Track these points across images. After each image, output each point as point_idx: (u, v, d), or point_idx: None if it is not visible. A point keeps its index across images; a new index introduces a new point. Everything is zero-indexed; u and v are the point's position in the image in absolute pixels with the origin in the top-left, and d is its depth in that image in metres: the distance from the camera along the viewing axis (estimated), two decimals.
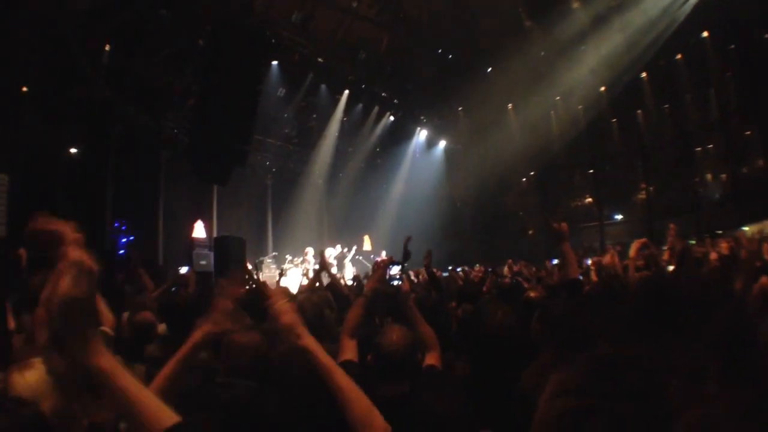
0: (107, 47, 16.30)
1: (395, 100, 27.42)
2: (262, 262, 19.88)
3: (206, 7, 17.49)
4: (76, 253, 1.63)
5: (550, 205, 29.76)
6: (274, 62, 21.59)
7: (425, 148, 30.66)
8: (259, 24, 18.61)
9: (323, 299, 5.73)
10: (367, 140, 27.54)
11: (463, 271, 17.96)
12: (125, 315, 5.67)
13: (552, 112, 29.16)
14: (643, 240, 7.10)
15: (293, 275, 18.18)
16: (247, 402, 3.27)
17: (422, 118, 29.64)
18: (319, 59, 23.11)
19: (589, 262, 13.23)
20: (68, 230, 1.66)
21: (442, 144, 31.19)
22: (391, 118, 28.05)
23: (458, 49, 26.30)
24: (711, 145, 26.12)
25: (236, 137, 18.06)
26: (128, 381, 1.66)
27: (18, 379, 2.31)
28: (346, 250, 21.07)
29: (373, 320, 5.45)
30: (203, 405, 3.06)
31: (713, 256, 8.16)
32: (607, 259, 7.83)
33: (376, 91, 26.26)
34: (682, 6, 22.68)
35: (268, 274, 18.98)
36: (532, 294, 5.99)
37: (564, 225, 5.06)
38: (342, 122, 25.85)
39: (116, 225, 16.24)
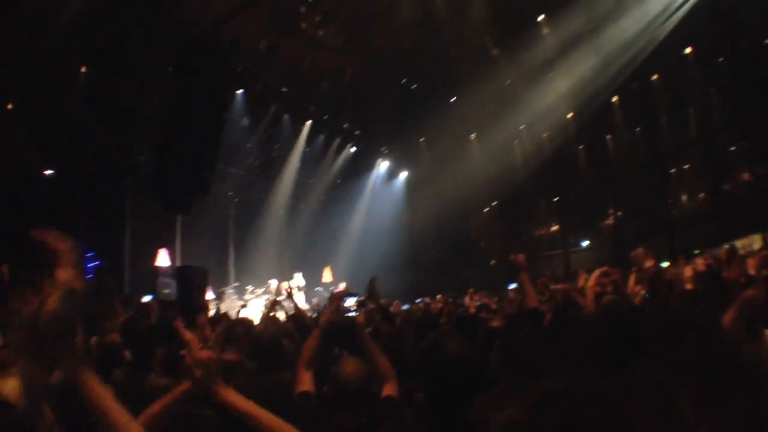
0: (83, 68, 16.04)
1: (357, 131, 27.40)
2: (223, 293, 19.66)
3: (176, 33, 17.19)
4: (65, 274, 1.76)
5: (512, 234, 29.83)
6: (239, 91, 21.28)
7: (386, 179, 30.60)
8: (226, 52, 18.34)
9: (282, 329, 5.89)
10: (328, 171, 27.44)
11: (423, 302, 17.92)
12: (93, 339, 5.71)
13: (516, 140, 29.26)
14: (604, 268, 6.98)
15: (255, 306, 18.14)
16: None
17: (383, 149, 29.63)
18: (283, 89, 22.96)
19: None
20: (66, 251, 1.82)
21: (403, 175, 31.14)
22: (353, 149, 28.00)
23: (422, 79, 26.31)
24: (687, 165, 26.38)
25: (200, 166, 17.72)
26: (106, 395, 1.87)
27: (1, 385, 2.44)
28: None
29: (332, 351, 5.49)
30: None
31: (688, 273, 8.08)
32: (581, 282, 7.78)
33: (338, 122, 26.19)
34: (662, 24, 22.93)
35: (230, 304, 18.64)
36: (494, 323, 6.07)
37: (521, 256, 5.05)
38: (304, 153, 25.67)
39: (83, 248, 15.79)
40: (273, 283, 19.42)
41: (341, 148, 27.46)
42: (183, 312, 14.59)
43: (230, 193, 23.21)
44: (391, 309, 12.84)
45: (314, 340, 4.10)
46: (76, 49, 15.49)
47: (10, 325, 3.73)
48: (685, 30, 22.39)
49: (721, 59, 23.41)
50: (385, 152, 29.80)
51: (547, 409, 1.41)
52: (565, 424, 1.36)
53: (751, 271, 8.34)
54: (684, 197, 26.76)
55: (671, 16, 22.56)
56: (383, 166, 30.33)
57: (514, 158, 29.49)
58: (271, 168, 24.84)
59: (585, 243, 29.38)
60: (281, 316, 10.52)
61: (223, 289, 19.89)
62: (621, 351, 2.96)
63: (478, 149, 29.38)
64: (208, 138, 17.91)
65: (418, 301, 19.43)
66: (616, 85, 24.94)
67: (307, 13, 21.34)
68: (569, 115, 27.23)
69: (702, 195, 26.11)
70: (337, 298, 4.92)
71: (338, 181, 28.21)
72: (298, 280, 21.11)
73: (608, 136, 27.75)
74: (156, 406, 2.58)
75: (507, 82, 26.05)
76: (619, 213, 27.46)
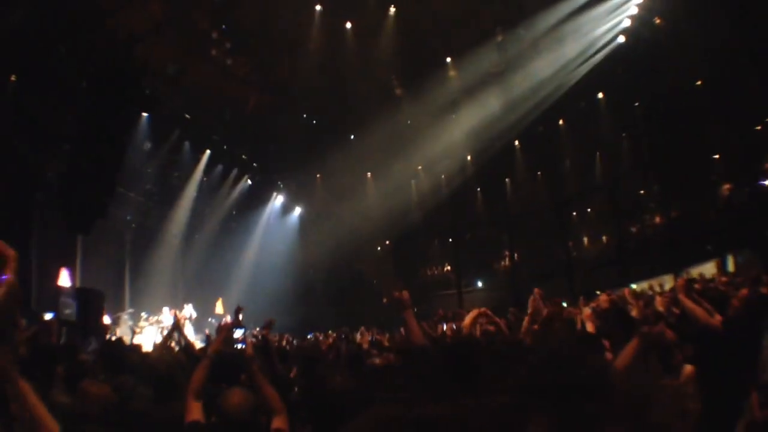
0: (12, 78, 15.42)
1: (255, 164, 27.21)
2: (119, 318, 19.13)
3: (94, 49, 16.72)
4: (11, 277, 1.85)
5: (405, 273, 30.16)
6: (145, 114, 20.78)
7: (281, 213, 30.44)
8: (137, 73, 17.95)
9: (175, 359, 5.78)
10: (224, 202, 27.07)
11: (314, 336, 18.00)
12: None
13: (413, 180, 29.74)
14: (482, 309, 7.26)
15: (149, 333, 17.89)
16: None
17: (280, 183, 29.50)
18: (186, 115, 22.60)
19: (445, 327, 13.47)
20: (13, 257, 1.90)
21: (297, 210, 31.06)
22: (249, 181, 27.73)
23: (324, 115, 26.50)
24: (589, 209, 27.39)
25: (101, 188, 17.25)
26: (32, 393, 2.04)
27: None
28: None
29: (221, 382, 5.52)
30: None
31: (586, 312, 8.29)
32: (466, 321, 7.94)
33: (236, 152, 25.97)
34: (575, 69, 23.87)
35: (125, 330, 18.14)
36: (377, 360, 6.18)
37: (405, 293, 4.88)
38: (201, 182, 25.24)
39: None
40: (165, 312, 19.06)
41: (238, 179, 27.17)
42: (82, 333, 14.21)
43: (128, 218, 22.50)
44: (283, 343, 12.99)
45: (202, 370, 4.13)
46: (6, 57, 14.83)
47: None
48: (599, 75, 23.39)
49: (635, 104, 24.49)
50: (281, 186, 29.70)
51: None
52: None
53: (660, 308, 8.69)
54: (585, 240, 27.76)
55: (586, 61, 23.54)
56: (278, 200, 30.19)
57: (410, 198, 29.96)
58: (170, 195, 24.25)
59: (479, 284, 30.06)
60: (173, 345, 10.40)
61: (119, 314, 19.31)
62: (455, 379, 3.07)
63: (374, 188, 29.75)
64: (111, 160, 17.48)
65: (309, 336, 19.45)
66: (519, 129, 25.72)
67: (219, 39, 21.23)
68: (468, 157, 27.93)
69: (605, 238, 27.14)
70: (225, 330, 5.06)
71: (233, 213, 27.84)
72: (189, 310, 20.69)
73: (507, 179, 28.58)
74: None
75: (408, 122, 26.56)
76: (516, 255, 28.20)
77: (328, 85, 24.73)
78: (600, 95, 25.19)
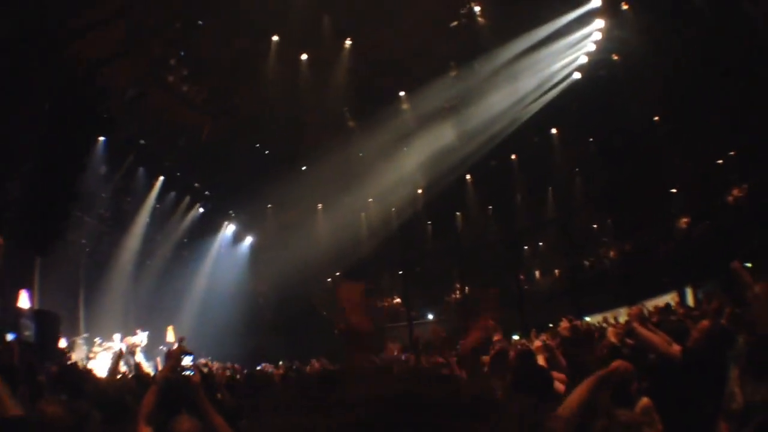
0: None
1: (207, 192, 27.24)
2: (74, 342, 18.84)
3: (57, 71, 16.77)
4: None
5: None
6: (102, 138, 20.78)
7: (232, 242, 30.43)
8: (98, 96, 18.05)
9: (125, 384, 6.10)
10: (175, 230, 27.00)
11: (263, 368, 18.11)
12: None
13: (363, 213, 30.03)
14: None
15: (102, 359, 17.56)
16: None
17: (231, 212, 29.55)
18: (141, 141, 22.65)
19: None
20: None
21: (248, 240, 31.08)
22: (201, 209, 27.75)
23: (277, 146, 26.66)
24: (542, 243, 27.83)
25: (57, 210, 17.26)
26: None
27: None
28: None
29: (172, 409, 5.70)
30: None
31: (537, 344, 8.10)
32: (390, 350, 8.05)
33: (189, 180, 26.00)
34: (530, 104, 24.42)
35: (80, 354, 17.95)
36: None
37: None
38: (154, 208, 25.18)
39: None
40: (117, 338, 18.93)
41: (190, 207, 27.19)
42: (40, 355, 14.10)
43: (83, 241, 22.31)
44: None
45: (152, 396, 4.21)
46: None
47: None
48: (553, 111, 23.93)
49: (590, 139, 25.02)
50: (232, 215, 29.74)
51: None
52: None
53: (613, 339, 8.90)
54: (537, 273, 28.14)
55: (541, 96, 24.10)
56: (230, 229, 30.21)
57: (360, 230, 30.22)
58: (123, 220, 24.14)
59: (430, 316, 30.31)
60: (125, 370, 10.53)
61: (74, 338, 19.07)
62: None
63: (325, 219, 29.95)
64: (67, 182, 17.54)
65: (258, 367, 19.46)
66: (471, 163, 26.21)
67: (177, 66, 21.40)
68: (419, 191, 28.32)
69: (557, 271, 27.51)
70: (174, 357, 5.14)
71: (185, 240, 27.76)
72: (142, 337, 20.54)
73: (458, 213, 28.97)
74: None
75: (360, 154, 26.88)
76: (466, 287, 28.48)
77: (283, 116, 24.95)
78: (554, 130, 25.73)
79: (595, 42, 23.14)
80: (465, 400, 1.28)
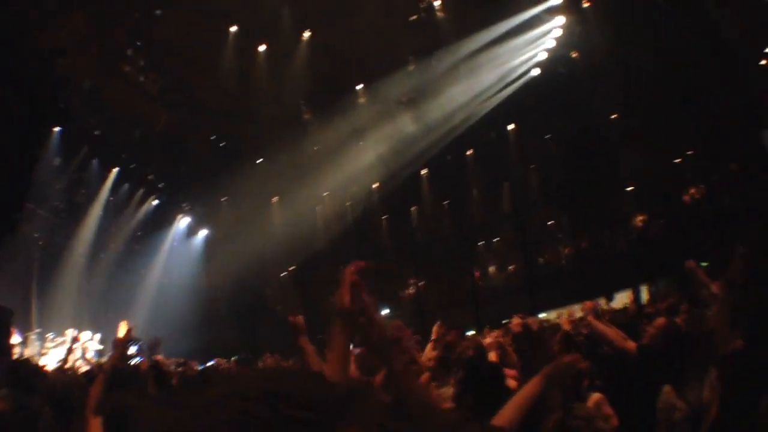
0: None
1: (161, 184, 26.89)
2: (27, 338, 18.48)
3: (15, 60, 16.36)
4: None
5: (309, 299, 30.13)
6: (57, 128, 20.37)
7: (186, 235, 30.09)
8: (55, 86, 17.70)
9: (74, 379, 6.05)
10: (129, 222, 26.57)
11: (216, 363, 18.03)
12: None
13: (318, 207, 29.97)
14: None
15: (55, 355, 17.27)
16: None
17: (185, 204, 29.20)
18: (96, 132, 22.25)
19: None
20: None
21: (203, 233, 30.76)
22: (155, 201, 27.40)
23: (231, 137, 26.44)
24: (497, 239, 28.00)
25: (8, 202, 16.89)
26: None
27: None
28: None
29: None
30: None
31: (487, 340, 8.10)
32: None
33: (143, 172, 25.64)
34: (488, 99, 24.57)
35: (33, 350, 17.64)
36: None
37: (299, 318, 4.67)
38: (108, 200, 24.76)
39: None
40: (70, 333, 18.58)
41: (144, 199, 26.80)
42: None
43: (36, 235, 21.85)
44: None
45: (99, 385, 4.21)
46: None
47: None
48: (511, 106, 24.12)
49: (547, 136, 25.27)
50: (186, 208, 29.39)
51: None
52: None
53: (566, 327, 8.80)
54: (492, 269, 28.35)
55: (499, 92, 24.28)
56: (183, 221, 29.85)
57: (315, 224, 30.15)
58: (77, 212, 23.68)
59: (385, 311, 30.32)
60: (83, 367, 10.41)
61: (28, 334, 18.67)
62: None
63: (280, 213, 29.80)
64: (20, 174, 17.16)
65: (211, 363, 19.31)
66: (427, 158, 26.36)
67: (134, 56, 21.08)
68: (375, 185, 28.36)
69: (512, 267, 27.74)
70: (122, 345, 5.22)
71: (138, 233, 27.34)
72: (92, 338, 20.19)
73: (414, 208, 29.07)
74: None
75: (315, 148, 26.81)
76: (421, 283, 28.56)
77: (239, 107, 24.74)
78: (511, 126, 25.97)
79: (555, 39, 23.42)
80: (331, 398, 1.17)
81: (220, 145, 26.91)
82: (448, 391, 5.82)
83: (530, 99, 24.21)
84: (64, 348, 17.74)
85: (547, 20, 22.82)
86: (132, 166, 24.96)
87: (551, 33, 23.24)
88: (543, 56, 24.13)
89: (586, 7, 21.87)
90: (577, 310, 18.42)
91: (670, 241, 20.30)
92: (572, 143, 24.32)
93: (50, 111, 18.16)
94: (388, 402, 1.47)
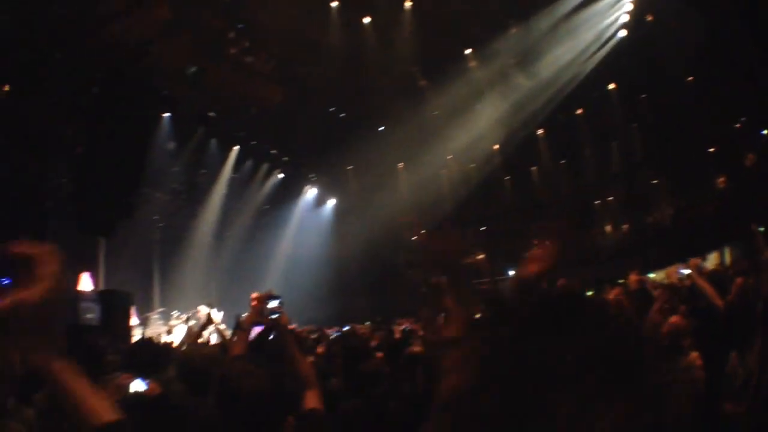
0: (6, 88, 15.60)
1: (285, 158, 27.34)
2: (148, 318, 19.27)
3: (101, 52, 16.94)
4: (51, 268, 1.72)
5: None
6: (166, 114, 21.06)
7: (314, 206, 30.61)
8: (152, 75, 18.19)
9: (209, 353, 5.68)
10: (255, 197, 27.31)
11: (351, 328, 18.00)
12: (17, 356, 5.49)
13: (443, 170, 29.68)
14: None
15: (180, 332, 17.35)
16: None
17: (312, 176, 29.65)
18: (210, 114, 22.80)
19: None
20: (43, 252, 1.74)
21: (331, 202, 31.19)
22: (281, 175, 27.94)
23: (350, 108, 26.44)
24: (611, 198, 27.17)
25: (123, 189, 17.50)
26: (76, 380, 1.73)
27: None
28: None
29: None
30: None
31: (610, 296, 8.34)
32: None
33: (266, 147, 26.12)
34: (588, 60, 23.69)
35: (155, 330, 18.37)
36: (415, 349, 6.32)
37: (443, 280, 4.66)
38: (231, 178, 25.48)
39: None
40: (203, 309, 19.08)
41: (269, 174, 27.41)
42: (106, 336, 14.42)
43: (155, 218, 22.79)
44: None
45: (241, 342, 4.21)
46: None
47: None
48: (608, 66, 23.21)
49: (642, 96, 24.25)
50: (313, 179, 29.85)
51: None
52: None
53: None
54: (608, 228, 27.53)
55: (596, 52, 23.39)
56: (311, 193, 30.35)
57: (441, 188, 29.84)
58: (197, 193, 24.52)
59: (512, 272, 29.71)
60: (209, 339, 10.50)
61: (148, 314, 19.50)
62: None
63: (406, 178, 29.70)
64: (132, 161, 17.70)
65: (345, 328, 19.45)
66: (541, 119, 25.88)
67: (236, 38, 21.33)
68: (495, 147, 27.75)
69: (625, 226, 26.89)
70: (260, 300, 4.65)
71: (266, 207, 28.07)
72: (215, 315, 20.78)
73: (533, 168, 28.40)
74: None
75: (434, 113, 26.42)
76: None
77: (352, 78, 24.64)
78: (611, 86, 25.07)
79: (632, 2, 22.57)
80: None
81: (340, 116, 26.93)
82: None
83: (622, 59, 23.04)
84: (190, 324, 18.48)
85: None
86: (253, 143, 25.42)
87: None
88: (625, 18, 23.14)
89: None
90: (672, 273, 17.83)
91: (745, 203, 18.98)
92: (659, 105, 23.29)
93: (151, 99, 18.67)
94: None
